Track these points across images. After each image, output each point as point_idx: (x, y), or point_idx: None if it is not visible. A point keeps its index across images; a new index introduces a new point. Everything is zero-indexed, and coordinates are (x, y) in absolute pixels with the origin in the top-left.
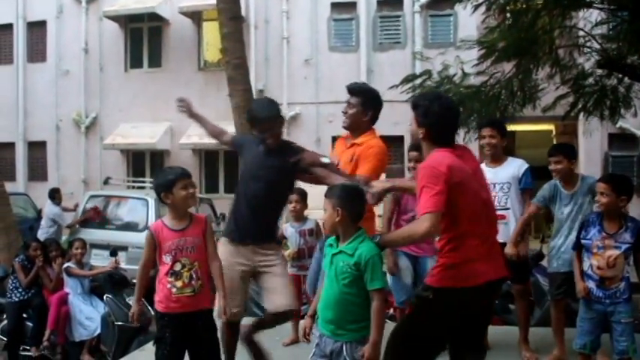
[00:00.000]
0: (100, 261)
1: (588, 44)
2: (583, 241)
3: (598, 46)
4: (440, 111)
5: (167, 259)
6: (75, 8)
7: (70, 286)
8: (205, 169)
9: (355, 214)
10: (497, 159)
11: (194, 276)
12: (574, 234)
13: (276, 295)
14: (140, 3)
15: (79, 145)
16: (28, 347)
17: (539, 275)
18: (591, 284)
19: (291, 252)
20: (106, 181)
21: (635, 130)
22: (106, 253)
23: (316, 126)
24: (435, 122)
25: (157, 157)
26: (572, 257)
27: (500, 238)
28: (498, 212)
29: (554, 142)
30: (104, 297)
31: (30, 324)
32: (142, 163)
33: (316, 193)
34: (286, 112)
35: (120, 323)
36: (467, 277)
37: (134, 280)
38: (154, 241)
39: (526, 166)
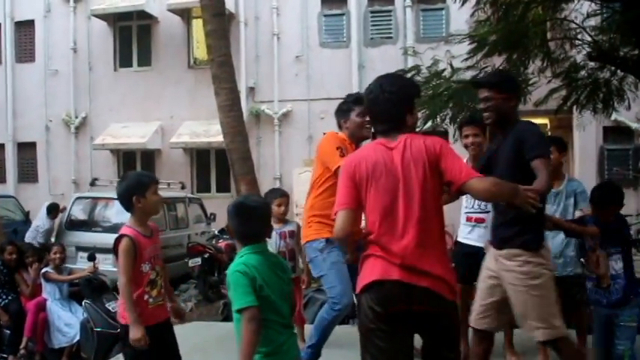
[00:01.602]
0: (87, 264)
1: (580, 36)
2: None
3: (590, 39)
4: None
5: (146, 267)
6: (63, 7)
7: (48, 292)
8: (197, 169)
9: (238, 233)
10: (477, 159)
11: (162, 284)
12: (560, 236)
13: None
14: (128, 1)
15: (69, 145)
16: (5, 355)
17: None
18: (590, 285)
19: None
20: (92, 183)
21: (630, 122)
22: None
23: (308, 123)
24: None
25: (148, 156)
26: (556, 261)
27: (479, 242)
28: (477, 215)
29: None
30: (83, 302)
31: (8, 331)
32: (133, 163)
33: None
34: (277, 109)
35: (99, 329)
36: None
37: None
38: (134, 250)
39: None
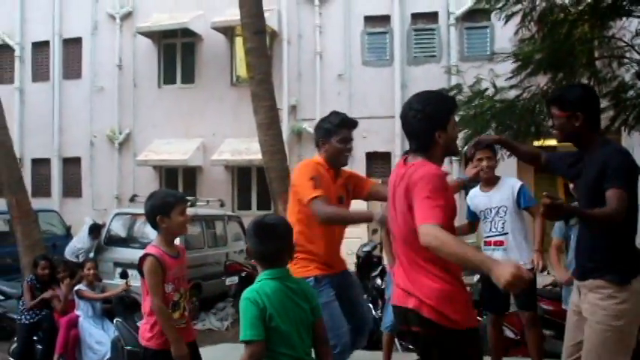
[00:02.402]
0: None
1: (628, 55)
2: None
3: (638, 57)
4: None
5: (169, 288)
6: (109, 25)
7: (81, 309)
8: (238, 186)
9: (256, 254)
10: (491, 182)
11: (186, 307)
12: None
13: None
14: (173, 19)
15: (113, 161)
16: None
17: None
18: None
19: None
20: (132, 199)
21: None
22: (133, 272)
23: None
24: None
25: (190, 173)
26: None
27: None
28: (496, 238)
29: None
30: (114, 320)
31: (40, 347)
32: (175, 179)
33: None
34: None
35: (129, 348)
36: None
37: None
38: (162, 270)
39: (520, 184)
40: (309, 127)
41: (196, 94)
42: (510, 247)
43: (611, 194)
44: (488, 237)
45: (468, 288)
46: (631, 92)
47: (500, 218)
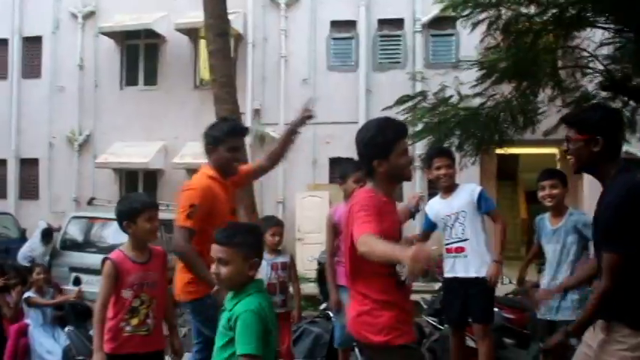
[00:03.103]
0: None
1: (591, 65)
2: None
3: (602, 67)
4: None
5: (127, 294)
6: (71, 24)
7: (31, 317)
8: None
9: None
10: (450, 189)
11: (150, 314)
12: (560, 277)
13: None
14: (137, 19)
15: (72, 163)
16: None
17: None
18: None
19: None
20: (90, 202)
21: (639, 153)
22: (89, 277)
23: (313, 147)
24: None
25: (151, 176)
26: (558, 303)
27: (459, 273)
28: (456, 245)
29: (558, 166)
30: (66, 329)
31: None
32: (135, 182)
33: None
34: (282, 132)
35: (81, 358)
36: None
37: None
38: (116, 274)
39: (479, 189)
40: (273, 132)
41: (159, 97)
42: (471, 254)
43: (604, 261)
44: (448, 244)
45: (429, 296)
46: (593, 102)
47: (460, 224)
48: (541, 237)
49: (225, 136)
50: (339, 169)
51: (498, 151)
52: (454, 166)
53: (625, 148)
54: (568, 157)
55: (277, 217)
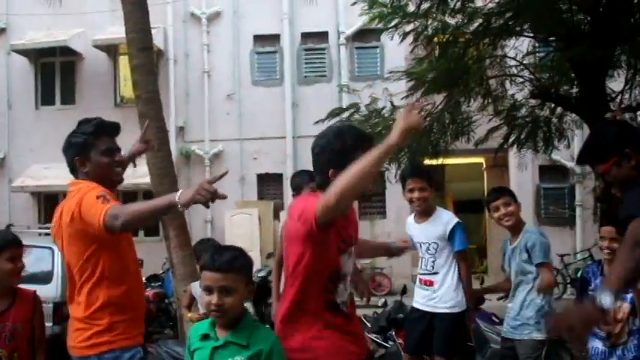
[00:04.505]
0: None
1: (521, 74)
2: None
3: (530, 77)
4: None
5: None
6: None
7: None
8: None
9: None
10: (425, 213)
11: None
12: (520, 295)
13: None
14: (51, 36)
15: None
16: None
17: (480, 320)
18: (597, 343)
19: (195, 316)
20: (7, 228)
21: (565, 161)
22: None
23: (240, 163)
24: None
25: None
26: (521, 322)
27: (426, 307)
28: (426, 277)
29: (485, 175)
30: None
31: None
32: (55, 206)
33: None
34: (208, 149)
35: None
36: None
37: None
38: None
39: (455, 221)
40: (199, 149)
41: (77, 116)
42: (440, 289)
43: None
44: (420, 274)
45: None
46: (523, 111)
47: (430, 255)
48: (506, 259)
49: (95, 138)
50: (292, 181)
51: (432, 162)
52: (430, 188)
53: (552, 156)
54: (613, 191)
55: (214, 239)
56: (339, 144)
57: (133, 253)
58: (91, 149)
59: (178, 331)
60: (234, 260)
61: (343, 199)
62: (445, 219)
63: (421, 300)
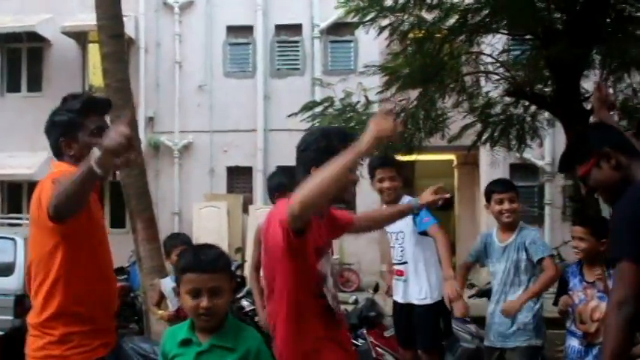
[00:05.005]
0: None
1: (497, 71)
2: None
3: (505, 74)
4: None
5: None
6: None
7: None
8: None
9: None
10: (395, 202)
11: None
12: (509, 298)
13: None
14: (18, 21)
15: None
16: None
17: (453, 319)
18: (574, 342)
19: (165, 314)
20: None
21: (535, 160)
22: None
23: (210, 156)
24: None
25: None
26: (516, 329)
27: (399, 297)
28: (397, 267)
29: (456, 173)
30: None
31: None
32: (19, 195)
33: None
34: (177, 140)
35: None
36: None
37: None
38: None
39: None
40: (168, 141)
41: (44, 104)
42: (411, 279)
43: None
44: (394, 265)
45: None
46: (497, 108)
47: (399, 245)
48: (488, 256)
49: (81, 117)
50: (269, 180)
51: (406, 157)
52: (399, 177)
53: (523, 155)
54: (597, 196)
55: (185, 234)
56: (325, 143)
57: (106, 255)
58: (78, 129)
59: (144, 326)
60: (218, 259)
61: (307, 207)
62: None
63: (398, 292)
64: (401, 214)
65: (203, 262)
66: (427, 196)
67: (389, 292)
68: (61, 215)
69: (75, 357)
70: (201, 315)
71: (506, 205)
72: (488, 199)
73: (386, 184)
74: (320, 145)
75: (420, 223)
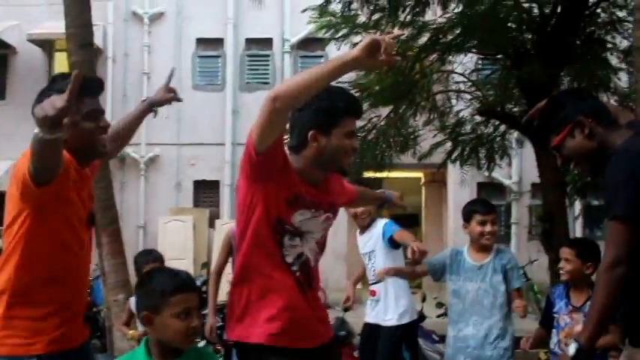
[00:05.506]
0: None
1: (468, 90)
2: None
3: (477, 93)
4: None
5: None
6: None
7: None
8: None
9: None
10: (367, 225)
11: None
12: (487, 323)
13: None
14: None
15: None
16: None
17: (421, 339)
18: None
19: (136, 333)
20: None
21: (503, 179)
22: None
23: (177, 169)
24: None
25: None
26: (481, 352)
27: (370, 318)
28: (371, 288)
29: (423, 191)
30: None
31: None
32: None
33: None
34: (144, 153)
35: None
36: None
37: None
38: None
39: (383, 221)
40: (134, 153)
41: (8, 113)
42: (383, 297)
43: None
44: (370, 285)
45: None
46: (467, 127)
47: (372, 265)
48: (453, 272)
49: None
50: None
51: (378, 175)
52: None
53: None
54: (573, 168)
55: (156, 250)
56: (328, 103)
57: (78, 259)
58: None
59: (107, 343)
60: (191, 279)
61: (289, 99)
62: (379, 225)
63: (370, 312)
64: (375, 199)
65: (187, 281)
66: (396, 199)
67: (347, 302)
68: (40, 174)
69: (8, 348)
70: (191, 336)
71: (488, 228)
72: (467, 219)
73: (360, 208)
74: (322, 105)
75: (388, 230)
